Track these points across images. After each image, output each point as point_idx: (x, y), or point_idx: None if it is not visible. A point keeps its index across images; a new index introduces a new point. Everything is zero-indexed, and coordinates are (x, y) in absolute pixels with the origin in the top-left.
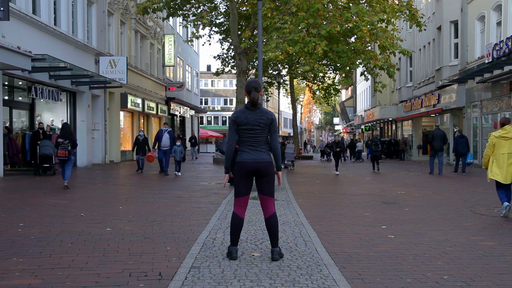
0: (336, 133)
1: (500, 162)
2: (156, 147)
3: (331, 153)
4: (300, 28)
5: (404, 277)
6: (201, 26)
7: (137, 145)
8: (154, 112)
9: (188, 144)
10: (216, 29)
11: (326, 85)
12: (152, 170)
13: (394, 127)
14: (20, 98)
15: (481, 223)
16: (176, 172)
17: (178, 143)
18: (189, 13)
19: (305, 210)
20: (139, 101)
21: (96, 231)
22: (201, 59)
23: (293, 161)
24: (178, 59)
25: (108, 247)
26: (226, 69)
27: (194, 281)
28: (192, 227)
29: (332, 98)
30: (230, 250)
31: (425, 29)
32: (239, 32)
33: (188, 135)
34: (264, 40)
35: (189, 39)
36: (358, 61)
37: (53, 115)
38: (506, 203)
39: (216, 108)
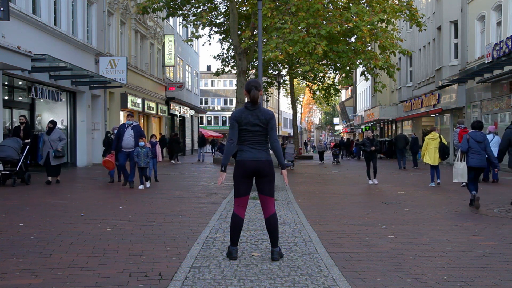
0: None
1: (430, 153)
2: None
3: (364, 155)
4: (300, 28)
5: (404, 277)
6: (201, 26)
7: (108, 145)
8: (154, 112)
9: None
10: (216, 29)
11: (326, 85)
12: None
13: (394, 127)
14: (20, 98)
15: (481, 223)
16: (143, 185)
17: (141, 143)
18: (189, 13)
19: (305, 210)
20: (139, 101)
21: (96, 231)
22: (201, 59)
23: (293, 161)
24: (178, 59)
25: (108, 247)
26: (226, 69)
27: (194, 281)
28: (192, 227)
29: (332, 98)
30: (230, 250)
31: (425, 29)
32: (239, 32)
33: (188, 135)
34: (264, 40)
35: (189, 39)
36: (358, 61)
37: (53, 115)
38: (432, 183)
39: (216, 108)
